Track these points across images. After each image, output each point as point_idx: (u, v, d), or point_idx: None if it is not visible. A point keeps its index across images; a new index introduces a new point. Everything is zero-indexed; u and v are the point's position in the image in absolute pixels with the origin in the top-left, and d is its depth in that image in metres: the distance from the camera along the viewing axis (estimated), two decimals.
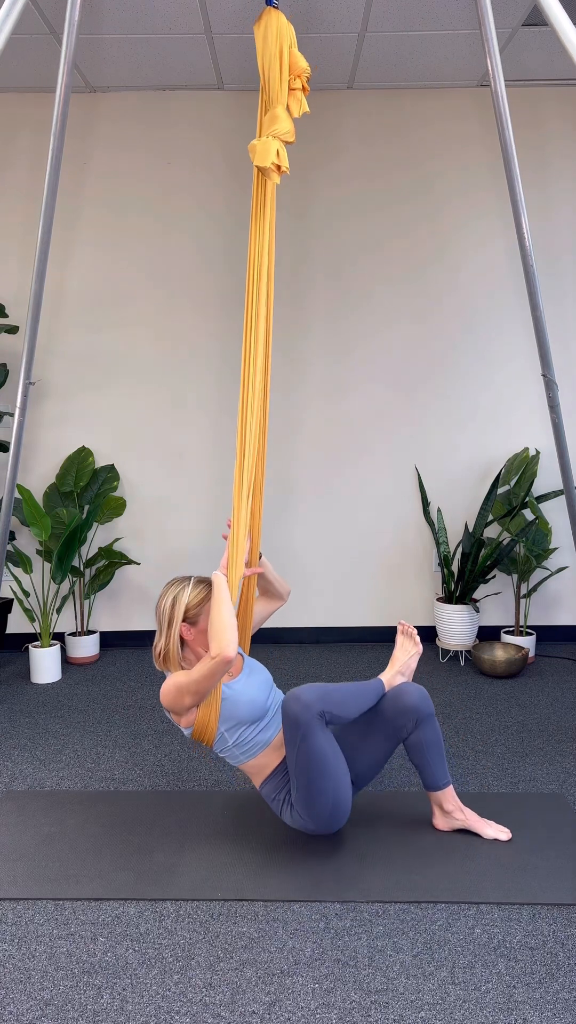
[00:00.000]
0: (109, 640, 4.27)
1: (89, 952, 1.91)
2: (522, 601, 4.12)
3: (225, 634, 2.10)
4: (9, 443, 3.54)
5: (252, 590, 2.47)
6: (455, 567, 4.08)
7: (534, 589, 3.98)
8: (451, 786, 2.37)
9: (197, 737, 2.27)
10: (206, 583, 2.30)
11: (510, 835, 2.35)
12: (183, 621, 2.25)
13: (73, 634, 4.09)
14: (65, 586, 4.17)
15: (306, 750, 2.13)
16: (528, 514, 4.10)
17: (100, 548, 4.03)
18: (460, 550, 4.10)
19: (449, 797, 2.36)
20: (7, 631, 4.18)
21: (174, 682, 2.18)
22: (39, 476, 4.17)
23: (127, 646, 4.28)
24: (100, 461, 4.17)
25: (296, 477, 4.20)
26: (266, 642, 4.21)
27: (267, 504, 4.14)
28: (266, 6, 2.31)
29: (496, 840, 2.34)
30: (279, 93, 2.28)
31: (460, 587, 3.95)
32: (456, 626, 3.93)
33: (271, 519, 4.18)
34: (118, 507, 4.10)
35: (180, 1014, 1.72)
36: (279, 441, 4.15)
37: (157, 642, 2.29)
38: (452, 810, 2.37)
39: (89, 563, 4.04)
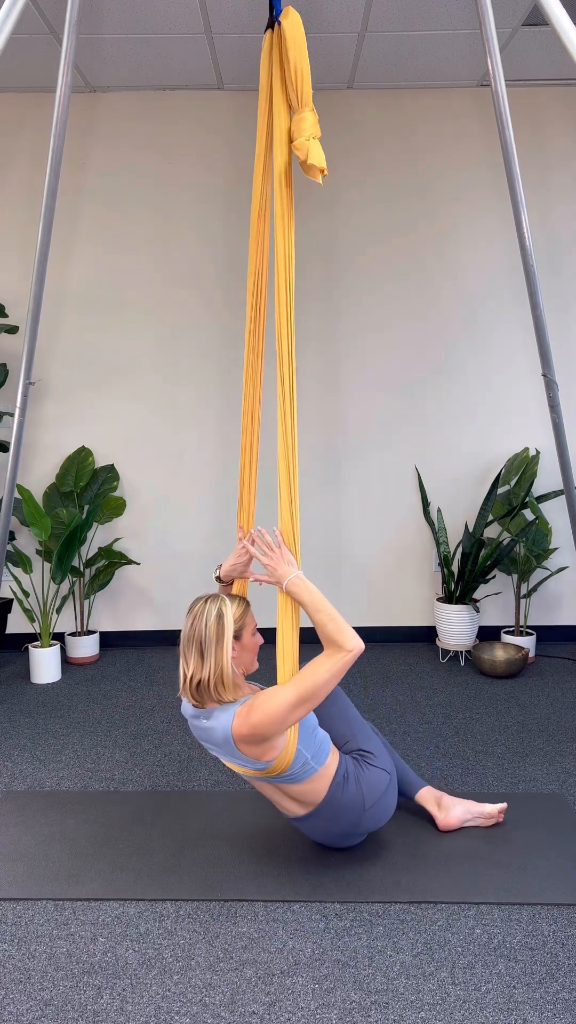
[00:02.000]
0: (109, 640, 4.27)
1: (89, 952, 1.91)
2: (522, 601, 4.12)
3: (348, 625, 2.04)
4: (9, 443, 3.54)
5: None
6: (455, 567, 4.08)
7: (534, 589, 3.98)
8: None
9: (277, 766, 2.05)
10: (239, 597, 2.18)
11: (505, 805, 2.45)
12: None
13: (73, 634, 4.08)
14: (65, 586, 4.16)
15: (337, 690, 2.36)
16: (528, 514, 4.10)
17: (100, 548, 4.03)
18: (460, 550, 4.09)
19: (432, 790, 2.45)
20: (7, 631, 4.18)
21: (284, 699, 1.97)
22: (39, 476, 4.17)
23: (127, 646, 4.28)
24: (100, 461, 4.17)
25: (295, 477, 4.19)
26: (266, 642, 4.21)
27: (266, 504, 4.14)
28: (287, 5, 2.28)
29: (499, 816, 2.41)
30: (309, 94, 2.23)
31: (460, 587, 3.95)
32: (456, 626, 3.93)
33: (270, 519, 4.17)
34: (118, 507, 4.10)
35: (180, 1014, 1.72)
36: (277, 441, 4.14)
37: (198, 670, 2.05)
38: (441, 795, 2.43)
39: (89, 563, 4.04)
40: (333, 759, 2.18)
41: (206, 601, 2.13)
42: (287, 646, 2.11)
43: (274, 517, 4.12)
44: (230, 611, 2.10)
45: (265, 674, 3.84)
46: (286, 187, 2.22)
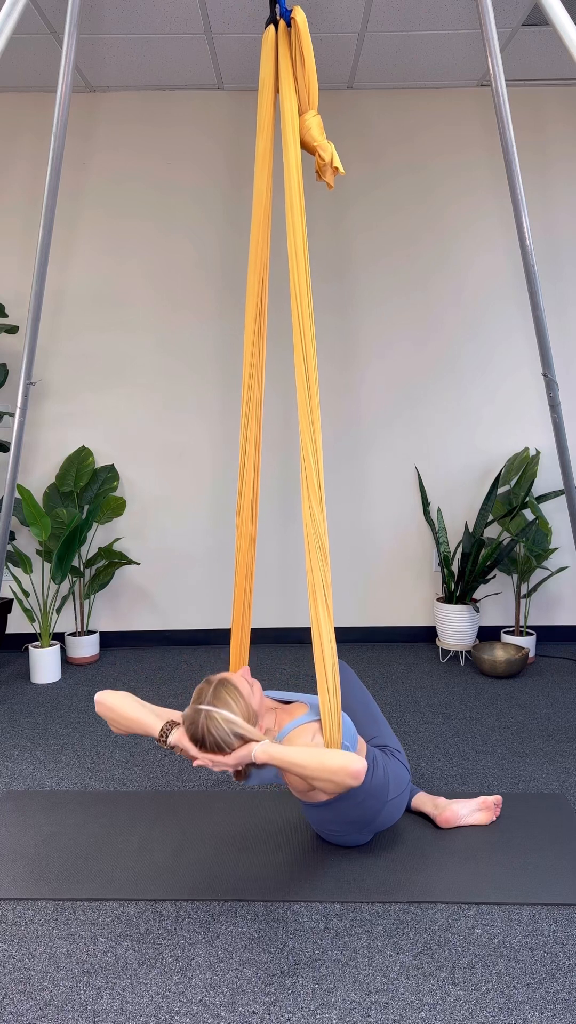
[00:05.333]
0: (109, 640, 4.27)
1: (89, 952, 1.91)
2: (522, 601, 4.12)
3: (340, 757, 1.89)
4: (9, 443, 3.54)
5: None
6: (455, 567, 4.08)
7: (534, 589, 3.98)
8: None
9: None
10: (227, 682, 2.03)
11: (500, 798, 2.49)
12: None
13: (73, 634, 4.08)
14: (65, 586, 4.16)
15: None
16: (528, 514, 4.10)
17: (100, 548, 4.03)
18: (460, 550, 4.09)
19: (426, 794, 2.48)
20: (7, 631, 4.18)
21: (302, 776, 1.93)
22: (39, 476, 4.17)
23: (127, 646, 4.28)
24: (100, 461, 4.17)
25: (296, 477, 4.19)
26: (267, 642, 4.22)
27: (267, 504, 4.14)
28: (294, 5, 2.29)
29: (496, 809, 2.45)
30: (317, 96, 2.26)
31: (460, 587, 3.95)
32: (456, 626, 3.93)
33: (271, 519, 4.18)
34: (118, 507, 4.10)
35: (180, 1014, 1.71)
36: (279, 441, 4.15)
37: (232, 759, 1.96)
38: (435, 797, 2.46)
39: (89, 563, 4.04)
40: (362, 745, 2.23)
41: (203, 715, 1.96)
42: (325, 641, 2.07)
43: (272, 521, 4.14)
44: (235, 714, 1.97)
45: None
46: (298, 182, 2.25)
